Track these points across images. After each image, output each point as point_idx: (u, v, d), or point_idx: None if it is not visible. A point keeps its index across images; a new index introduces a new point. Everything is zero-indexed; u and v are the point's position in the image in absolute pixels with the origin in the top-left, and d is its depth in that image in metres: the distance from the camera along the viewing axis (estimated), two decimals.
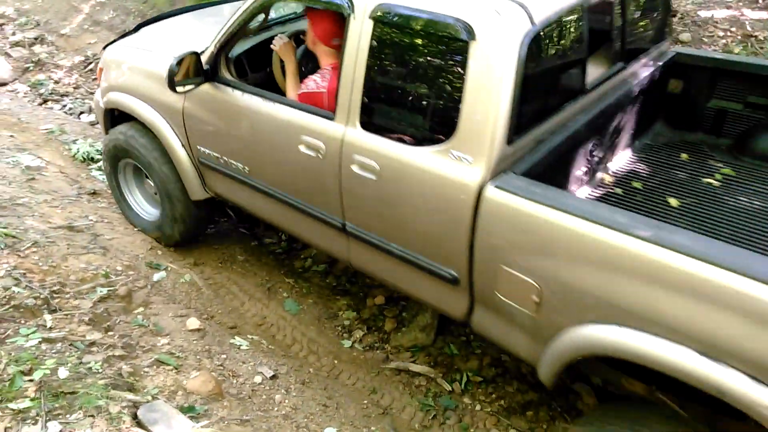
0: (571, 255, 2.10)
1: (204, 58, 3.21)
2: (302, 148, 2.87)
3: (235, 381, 3.02)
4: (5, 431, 2.09)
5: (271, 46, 3.26)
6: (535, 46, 2.35)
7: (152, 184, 3.91)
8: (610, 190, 2.98)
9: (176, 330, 3.26)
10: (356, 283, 4.10)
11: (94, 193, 4.45)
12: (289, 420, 2.89)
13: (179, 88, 3.17)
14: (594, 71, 2.88)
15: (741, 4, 7.07)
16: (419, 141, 2.51)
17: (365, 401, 3.25)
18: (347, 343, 3.64)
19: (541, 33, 2.37)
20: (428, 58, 2.46)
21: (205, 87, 3.26)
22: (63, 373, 2.41)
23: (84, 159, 4.96)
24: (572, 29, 2.62)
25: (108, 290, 3.28)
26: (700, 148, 3.31)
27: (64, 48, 7.72)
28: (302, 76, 3.22)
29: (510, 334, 2.50)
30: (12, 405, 2.19)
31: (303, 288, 4.05)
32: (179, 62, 3.08)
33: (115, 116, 4.00)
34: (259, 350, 3.40)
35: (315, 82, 3.03)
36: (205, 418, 2.54)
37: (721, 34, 5.76)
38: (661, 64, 3.28)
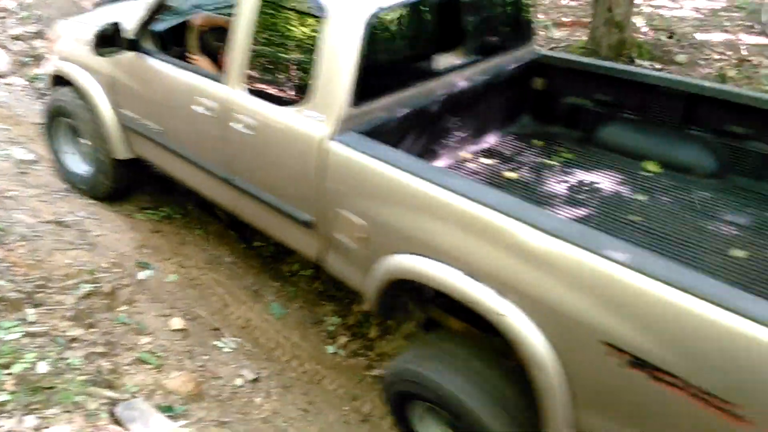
0: (384, 197, 2.58)
1: (131, 30, 3.67)
2: (199, 108, 3.32)
3: (215, 382, 3.03)
4: None
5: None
6: (379, 26, 2.85)
7: (84, 143, 4.30)
8: (462, 164, 3.43)
9: (159, 329, 3.26)
10: (343, 290, 4.09)
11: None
12: (269, 424, 2.89)
13: (104, 53, 3.63)
14: (445, 59, 3.34)
15: (738, 28, 7.17)
16: (285, 102, 2.98)
17: (346, 407, 3.25)
18: (331, 349, 3.64)
19: (386, 16, 2.88)
20: (294, 32, 3.00)
21: (130, 55, 3.72)
22: (43, 367, 2.41)
23: None
24: (418, 17, 3.14)
25: (93, 287, 3.29)
26: (554, 137, 3.76)
27: None
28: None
29: (348, 269, 2.96)
30: None
31: (289, 292, 4.04)
32: (103, 31, 3.55)
33: (60, 82, 4.36)
34: (241, 353, 3.40)
35: None
36: (183, 419, 2.55)
37: (717, 57, 5.84)
38: (522, 62, 3.70)
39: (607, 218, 2.94)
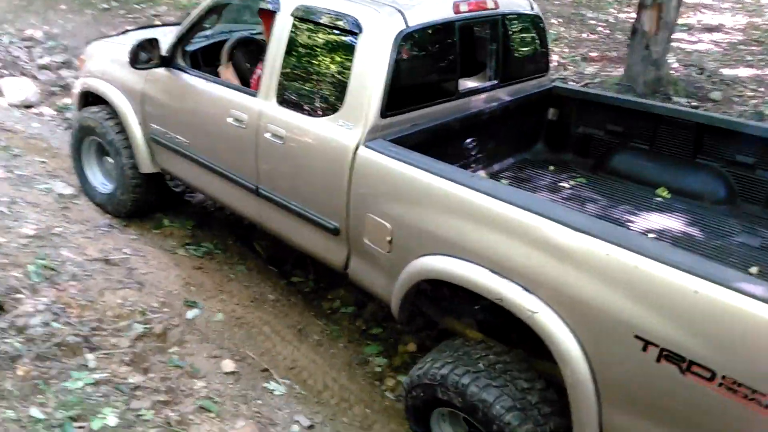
0: (411, 199, 2.67)
1: (165, 48, 3.85)
2: (230, 120, 3.46)
3: (273, 430, 2.96)
4: None
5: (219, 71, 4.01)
6: (408, 43, 3.00)
7: (111, 161, 4.47)
8: None
9: (212, 372, 3.20)
10: (386, 329, 4.04)
11: (125, 225, 4.41)
12: None
13: (140, 66, 3.79)
14: (468, 81, 3.58)
15: (763, 63, 7.20)
16: (317, 112, 3.14)
17: None
18: (379, 391, 3.57)
19: (413, 34, 3.01)
20: (329, 48, 3.16)
21: (162, 71, 3.90)
22: (113, 420, 2.35)
23: None
24: (443, 39, 3.26)
25: (144, 328, 3.24)
26: (567, 164, 3.93)
27: None
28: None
29: (373, 275, 3.03)
30: None
31: (333, 331, 3.99)
32: (140, 44, 3.72)
33: (88, 102, 4.56)
34: (292, 396, 3.33)
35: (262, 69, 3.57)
36: None
37: (750, 94, 5.85)
38: (537, 91, 3.92)
39: None
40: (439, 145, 3.24)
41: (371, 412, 3.43)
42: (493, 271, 2.36)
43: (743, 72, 6.80)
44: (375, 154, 2.81)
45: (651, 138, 3.67)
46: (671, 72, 5.94)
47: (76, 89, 4.65)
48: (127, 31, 4.81)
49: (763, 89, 5.96)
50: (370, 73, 2.90)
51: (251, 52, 4.17)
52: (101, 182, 4.63)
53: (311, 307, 4.21)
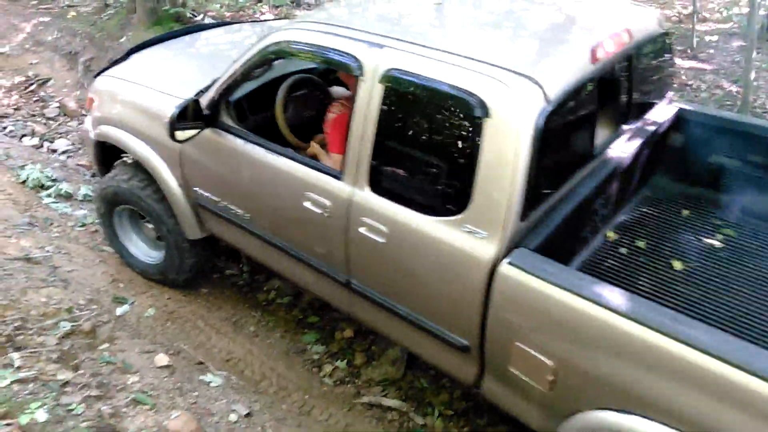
0: (585, 338, 2.08)
1: (204, 102, 3.15)
2: (307, 204, 2.83)
3: (210, 419, 2.95)
4: None
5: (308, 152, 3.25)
6: (549, 123, 2.29)
7: (151, 227, 3.84)
8: (615, 251, 2.96)
9: (145, 367, 3.15)
10: (323, 317, 4.08)
11: (49, 223, 4.26)
12: None
13: (179, 136, 3.10)
14: (602, 135, 2.90)
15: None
16: (431, 210, 2.48)
17: None
18: (317, 378, 3.61)
19: (555, 110, 2.32)
20: (441, 129, 2.46)
21: (205, 132, 3.19)
22: (42, 415, 2.29)
23: (34, 186, 4.74)
24: (584, 99, 2.60)
25: (72, 326, 3.16)
26: (700, 203, 3.29)
27: (2, 67, 7.38)
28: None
29: (522, 405, 2.47)
30: None
31: (269, 321, 3.99)
32: (181, 113, 3.02)
33: (105, 147, 3.87)
34: (229, 387, 3.33)
35: (343, 105, 3.06)
36: None
37: None
38: (664, 120, 3.27)
39: None
40: (575, 220, 2.65)
41: (310, 397, 3.47)
42: None
43: None
44: (524, 276, 2.19)
45: None
46: None
47: (90, 135, 3.91)
48: (130, 52, 4.10)
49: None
50: (505, 169, 2.23)
51: (312, 97, 3.51)
52: (146, 253, 4.02)
53: (246, 299, 4.19)
